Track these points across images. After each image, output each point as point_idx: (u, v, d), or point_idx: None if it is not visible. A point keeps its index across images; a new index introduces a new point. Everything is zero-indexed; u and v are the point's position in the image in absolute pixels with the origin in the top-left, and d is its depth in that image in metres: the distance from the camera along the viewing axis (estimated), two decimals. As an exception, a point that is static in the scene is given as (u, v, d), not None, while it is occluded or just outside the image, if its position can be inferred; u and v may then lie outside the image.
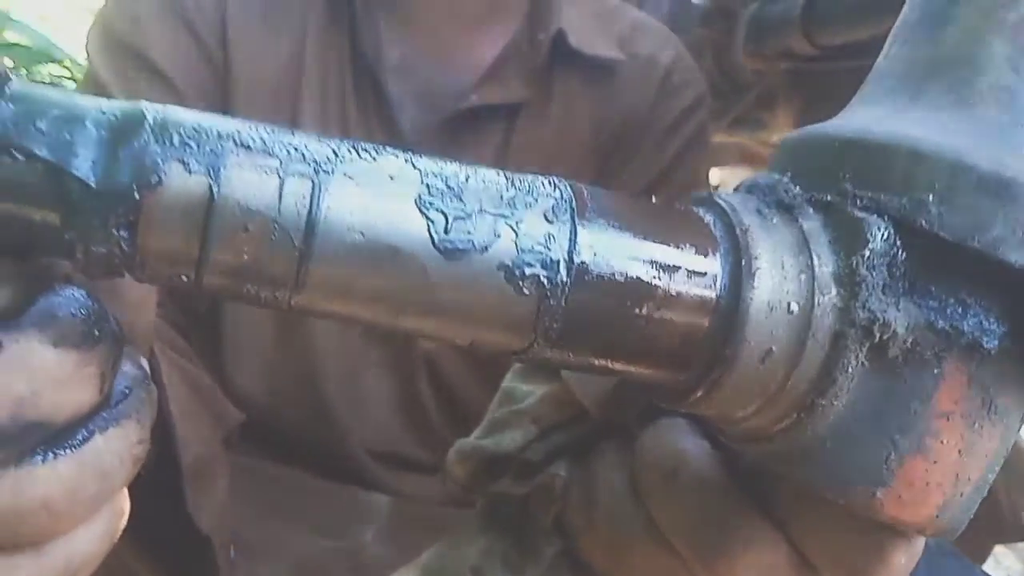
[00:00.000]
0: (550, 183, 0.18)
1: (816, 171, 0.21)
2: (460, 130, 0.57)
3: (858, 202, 0.20)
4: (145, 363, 0.20)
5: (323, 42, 0.57)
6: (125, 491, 0.19)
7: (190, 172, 0.14)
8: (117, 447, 0.17)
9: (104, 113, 0.15)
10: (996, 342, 0.20)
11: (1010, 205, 0.19)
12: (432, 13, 0.58)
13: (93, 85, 0.54)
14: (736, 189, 0.22)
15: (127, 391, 0.18)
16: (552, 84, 0.59)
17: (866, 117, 0.22)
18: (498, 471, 0.31)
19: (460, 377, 0.59)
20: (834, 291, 0.19)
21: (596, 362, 0.19)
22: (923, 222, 0.19)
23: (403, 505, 0.59)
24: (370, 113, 0.57)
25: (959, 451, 0.21)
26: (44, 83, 0.15)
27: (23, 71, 2.11)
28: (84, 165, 0.14)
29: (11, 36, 2.11)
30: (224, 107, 0.56)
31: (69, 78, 2.17)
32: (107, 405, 0.17)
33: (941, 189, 0.19)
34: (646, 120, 0.62)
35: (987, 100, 0.20)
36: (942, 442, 0.20)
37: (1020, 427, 0.22)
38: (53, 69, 2.18)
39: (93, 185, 0.14)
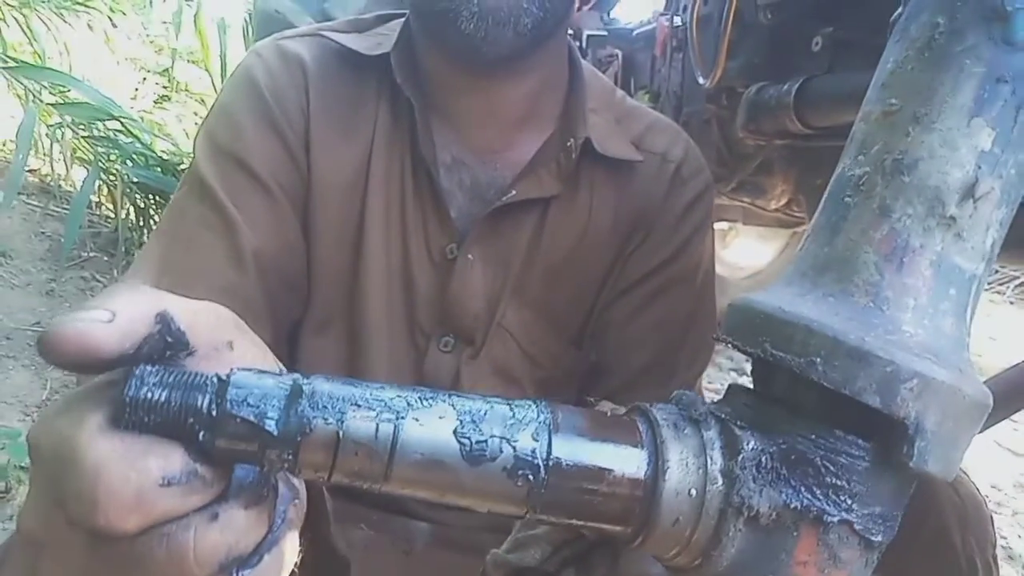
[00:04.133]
0: (537, 409, 0.29)
1: (747, 333, 0.31)
2: (501, 219, 0.67)
3: (772, 357, 0.29)
4: (295, 480, 0.29)
5: (387, 145, 0.68)
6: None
7: (327, 424, 0.26)
8: (279, 557, 0.27)
9: (281, 388, 0.26)
10: (835, 517, 0.29)
11: (867, 368, 0.28)
12: (477, 120, 0.68)
13: (198, 184, 0.64)
14: (669, 400, 0.32)
15: (284, 513, 0.28)
16: (579, 179, 0.70)
17: (782, 296, 0.32)
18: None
19: None
20: (720, 482, 0.29)
21: (569, 522, 0.30)
22: (813, 376, 0.29)
23: (443, 530, 0.68)
24: (426, 204, 0.68)
25: (812, 589, 0.30)
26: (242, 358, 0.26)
27: (82, 127, 2.30)
28: (272, 422, 0.25)
29: (74, 94, 2.29)
30: (305, 202, 0.66)
31: (122, 131, 2.36)
32: (273, 530, 0.27)
33: (825, 355, 0.28)
34: (659, 208, 0.72)
35: (860, 292, 0.30)
36: (802, 581, 0.30)
37: (869, 569, 0.32)
38: (112, 125, 2.37)
39: (276, 434, 0.25)
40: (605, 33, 2.19)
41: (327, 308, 0.68)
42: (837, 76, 1.12)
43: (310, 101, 0.67)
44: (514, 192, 0.67)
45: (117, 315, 0.25)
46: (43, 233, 2.27)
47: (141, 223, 2.29)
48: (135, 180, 2.26)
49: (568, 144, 0.68)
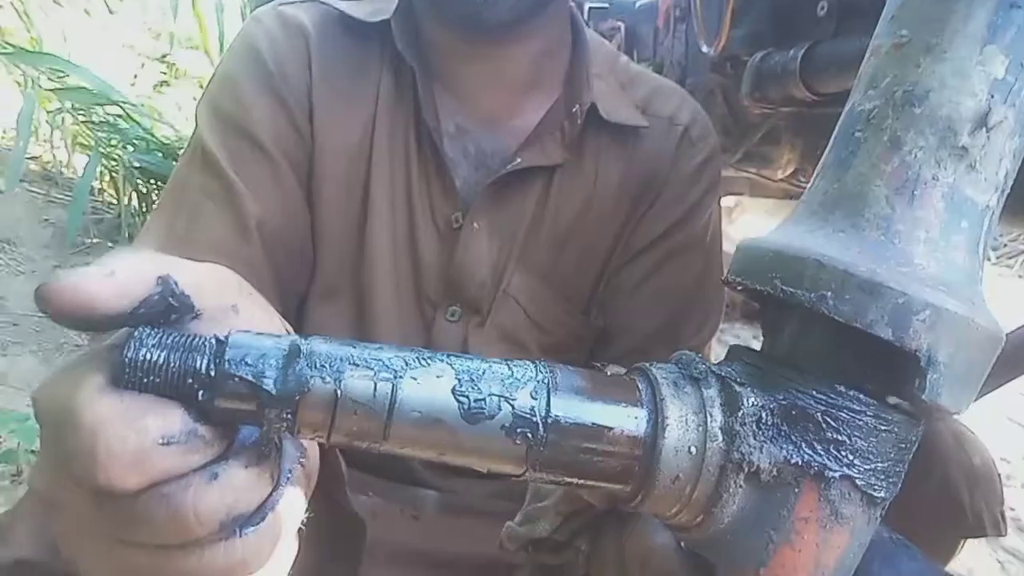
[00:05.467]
0: (535, 369, 0.29)
1: (756, 271, 0.31)
2: (506, 187, 0.67)
3: (782, 293, 0.29)
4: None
5: (391, 113, 0.67)
6: (294, 535, 0.28)
7: (324, 383, 0.26)
8: (285, 515, 0.27)
9: (279, 348, 0.26)
10: (836, 473, 0.29)
11: (879, 300, 0.27)
12: (480, 87, 0.67)
13: (201, 153, 0.63)
14: (669, 360, 0.32)
15: (290, 472, 0.28)
16: (585, 146, 0.69)
17: (791, 233, 0.31)
18: (537, 547, 0.42)
19: None
20: (720, 439, 0.29)
21: (568, 480, 0.29)
22: (824, 310, 0.28)
23: (451, 497, 0.69)
24: (430, 173, 0.67)
25: (816, 544, 0.30)
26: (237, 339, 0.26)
27: (82, 112, 2.29)
28: (269, 382, 0.25)
29: (73, 80, 2.28)
30: (309, 170, 0.65)
31: (122, 116, 2.35)
32: (277, 487, 0.27)
33: (835, 288, 0.28)
34: (668, 171, 0.71)
35: (871, 225, 0.29)
36: (804, 537, 0.30)
37: (872, 526, 0.32)
38: (112, 110, 2.36)
39: (274, 393, 0.25)
40: (607, 5, 2.16)
41: (333, 277, 0.68)
42: (843, 41, 1.10)
43: (312, 68, 0.66)
44: (519, 160, 0.66)
45: (116, 273, 0.25)
46: (46, 220, 2.28)
47: (144, 208, 2.29)
48: (137, 165, 2.26)
49: (573, 111, 0.67)
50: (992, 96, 0.28)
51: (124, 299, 0.25)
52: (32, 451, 1.30)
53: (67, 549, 0.27)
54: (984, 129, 0.28)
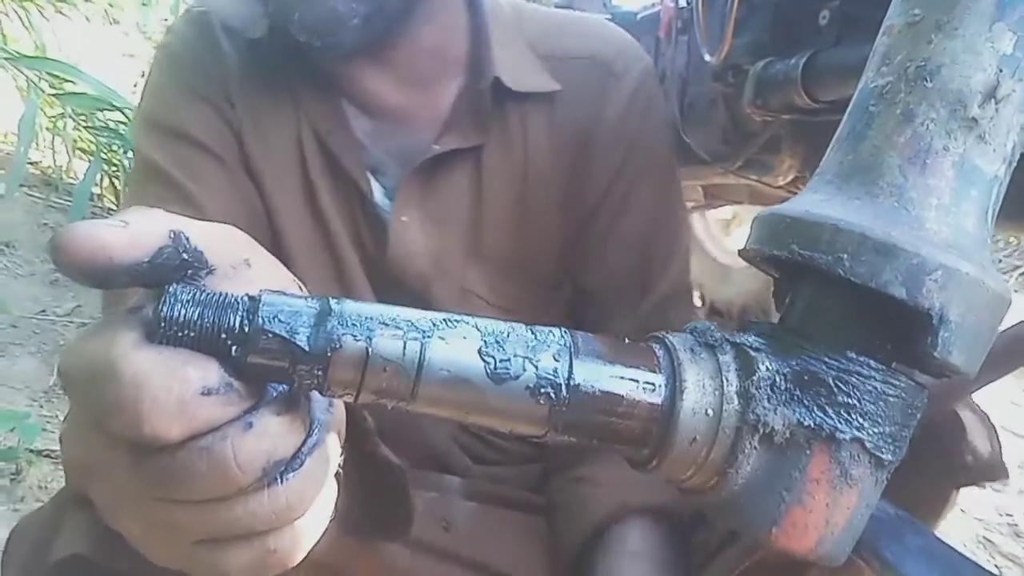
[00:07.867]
0: (558, 333, 0.30)
1: (775, 238, 0.32)
2: (433, 175, 0.67)
3: (800, 256, 0.30)
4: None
5: (314, 112, 0.67)
6: (333, 478, 0.29)
7: (356, 340, 0.26)
8: (322, 459, 0.28)
9: (311, 307, 0.27)
10: (847, 435, 0.30)
11: (893, 260, 0.29)
12: (382, 93, 0.67)
13: (143, 165, 0.64)
14: (684, 329, 0.33)
15: (321, 420, 0.28)
16: (507, 119, 0.68)
17: (808, 202, 0.32)
18: None
19: None
20: (736, 402, 0.30)
21: (589, 442, 0.30)
22: (840, 271, 0.29)
23: (480, 484, 0.68)
24: (336, 179, 0.67)
25: (827, 504, 0.31)
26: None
27: (84, 117, 2.29)
28: (302, 339, 0.26)
29: (75, 85, 2.28)
30: (246, 164, 0.65)
31: (124, 122, 2.36)
32: (311, 433, 0.28)
33: (851, 251, 0.29)
34: (598, 114, 0.69)
35: (884, 193, 0.31)
36: (815, 498, 0.31)
37: (879, 488, 0.33)
38: (114, 115, 2.36)
39: (307, 349, 0.26)
40: (609, 17, 2.19)
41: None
42: (844, 49, 1.12)
43: (228, 63, 0.66)
44: (435, 147, 0.66)
45: (129, 224, 0.25)
46: (46, 224, 2.28)
47: (144, 213, 2.29)
48: (137, 170, 2.26)
49: (479, 88, 0.67)
50: (1001, 70, 0.30)
51: (138, 249, 0.25)
52: (31, 450, 1.30)
53: (109, 518, 0.27)
54: (993, 101, 0.30)
